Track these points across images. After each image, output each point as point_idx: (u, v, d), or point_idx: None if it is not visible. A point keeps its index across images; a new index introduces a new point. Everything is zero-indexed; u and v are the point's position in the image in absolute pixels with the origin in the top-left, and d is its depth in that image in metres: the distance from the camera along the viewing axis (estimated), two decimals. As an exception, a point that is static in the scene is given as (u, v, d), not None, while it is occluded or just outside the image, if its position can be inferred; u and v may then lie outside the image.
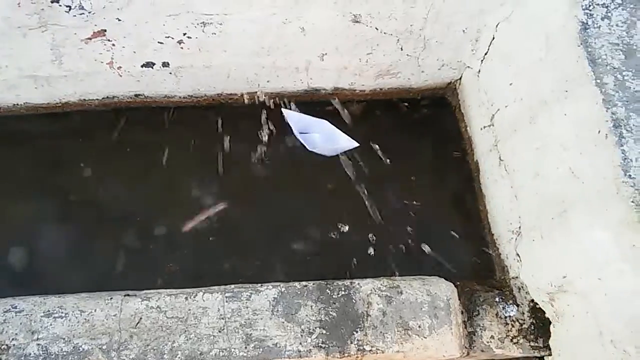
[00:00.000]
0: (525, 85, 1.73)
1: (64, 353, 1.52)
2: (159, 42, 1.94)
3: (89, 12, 1.79)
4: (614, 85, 1.38)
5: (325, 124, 2.20)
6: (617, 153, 1.30)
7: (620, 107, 1.35)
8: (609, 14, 1.48)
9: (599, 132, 1.35)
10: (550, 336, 1.67)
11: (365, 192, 2.14)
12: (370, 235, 2.05)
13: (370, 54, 2.08)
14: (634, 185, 1.26)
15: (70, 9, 1.77)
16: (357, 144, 2.18)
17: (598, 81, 1.39)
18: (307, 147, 2.21)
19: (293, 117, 2.22)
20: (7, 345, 1.52)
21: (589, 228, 1.40)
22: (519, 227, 1.78)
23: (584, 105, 1.42)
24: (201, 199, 2.11)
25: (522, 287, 1.76)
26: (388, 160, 2.20)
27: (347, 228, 2.08)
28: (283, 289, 1.65)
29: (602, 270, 1.36)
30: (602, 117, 1.35)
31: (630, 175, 1.27)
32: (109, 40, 1.91)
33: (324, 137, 2.21)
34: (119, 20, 1.83)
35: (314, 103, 2.29)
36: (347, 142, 2.18)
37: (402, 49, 2.07)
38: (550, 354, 1.68)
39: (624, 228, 1.26)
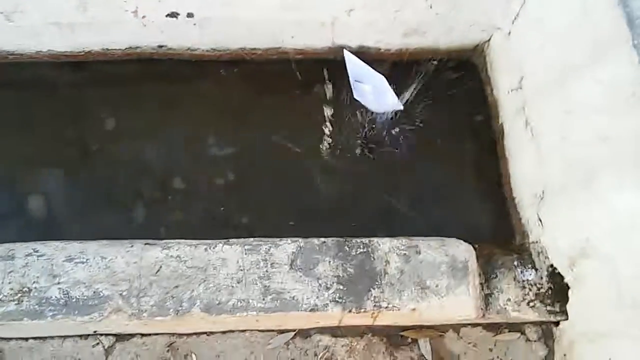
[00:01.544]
0: (557, 48, 1.68)
1: (85, 297, 1.54)
2: (184, -9, 1.91)
3: (114, -43, 1.76)
4: (651, 47, 1.34)
5: (381, 79, 2.15)
6: (652, 116, 1.27)
7: (656, 69, 1.31)
8: (650, -27, 1.42)
9: (634, 94, 1.31)
10: (567, 301, 1.66)
11: (384, 151, 2.13)
12: (391, 195, 2.05)
13: (399, 11, 2.03)
14: (668, 148, 1.23)
15: (94, -47, 1.75)
16: (402, 107, 2.15)
17: (635, 42, 1.34)
18: (354, 94, 2.19)
19: (352, 61, 2.17)
20: (28, 288, 1.54)
21: (617, 190, 1.37)
22: (543, 191, 1.75)
23: (619, 68, 1.38)
24: (219, 153, 2.11)
25: (542, 251, 1.74)
26: (413, 123, 2.18)
27: (365, 187, 2.07)
28: (302, 244, 1.65)
29: (628, 233, 1.34)
30: (637, 79, 1.31)
31: (663, 138, 1.24)
32: (134, -13, 1.89)
33: (375, 91, 2.16)
34: (145, -33, 1.80)
35: (338, 61, 2.26)
36: (393, 102, 2.14)
37: (431, 7, 2.01)
38: (566, 319, 1.67)
39: (655, 192, 1.24)
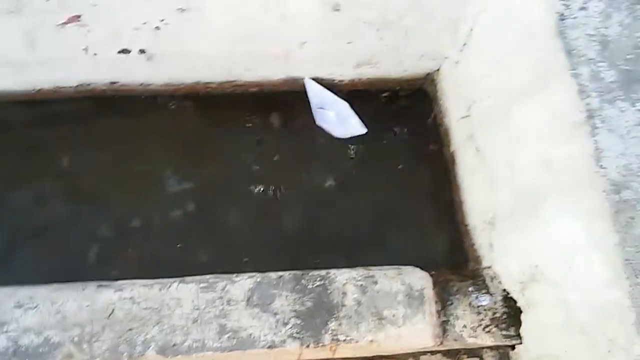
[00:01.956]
0: (503, 76, 1.73)
1: (35, 345, 1.50)
2: (135, 28, 1.90)
3: (63, -4, 1.75)
4: (589, 76, 1.39)
5: (344, 105, 2.20)
6: (590, 143, 1.30)
7: (594, 97, 1.36)
8: (586, 5, 1.47)
9: (573, 122, 1.36)
10: (521, 325, 1.69)
11: (340, 181, 2.14)
12: (345, 223, 2.06)
13: (351, 44, 2.07)
14: (606, 175, 1.27)
15: (43, -7, 1.73)
16: (365, 130, 2.19)
17: (573, 72, 1.39)
18: (317, 121, 2.22)
19: (314, 88, 2.21)
20: (-24, 336, 1.50)
21: (561, 218, 1.41)
22: (493, 217, 1.79)
23: (559, 97, 1.42)
24: (176, 187, 2.09)
25: (495, 276, 1.77)
26: (365, 150, 2.20)
27: (321, 217, 2.08)
28: (258, 279, 1.64)
29: (572, 259, 1.37)
30: (577, 108, 1.35)
31: (602, 166, 1.28)
32: (84, 25, 1.87)
33: (338, 117, 2.21)
34: (95, 4, 1.79)
35: (293, 93, 2.28)
36: (356, 127, 2.19)
37: (382, 39, 2.06)
38: (521, 342, 1.70)
39: (595, 218, 1.27)
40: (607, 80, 1.39)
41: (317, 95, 2.21)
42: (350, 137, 2.22)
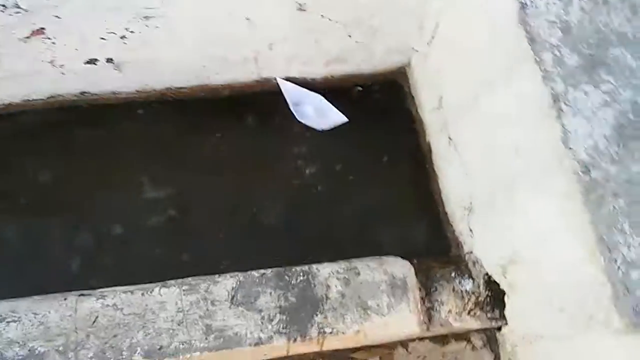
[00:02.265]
0: (470, 66, 1.76)
1: (20, 357, 1.48)
2: (101, 38, 1.89)
3: (26, 10, 1.72)
4: (553, 62, 1.42)
5: (318, 97, 2.22)
6: (557, 127, 1.34)
7: (559, 82, 1.39)
8: (546, -7, 1.51)
9: (540, 107, 1.39)
10: (505, 306, 1.72)
11: (319, 176, 2.17)
12: (325, 217, 2.08)
13: (318, 42, 2.08)
14: (574, 157, 1.30)
15: (5, 8, 1.70)
16: (346, 119, 2.22)
17: (537, 58, 1.42)
18: (297, 118, 2.24)
19: (287, 87, 2.22)
20: (-41, 353, 1.48)
21: (534, 200, 1.44)
22: (470, 203, 1.82)
23: (525, 83, 1.45)
24: (153, 194, 2.09)
25: (477, 261, 1.80)
26: (342, 145, 2.23)
27: (301, 214, 2.09)
28: (241, 278, 1.65)
29: (547, 240, 1.40)
30: (542, 93, 1.38)
31: (570, 147, 1.31)
32: (48, 38, 1.85)
33: (316, 111, 2.23)
34: (58, 17, 1.77)
35: (266, 93, 2.29)
36: (337, 117, 2.22)
37: (350, 36, 2.07)
38: (506, 323, 1.73)
39: (566, 198, 1.30)
40: (571, 65, 1.42)
41: (291, 92, 2.23)
42: (333, 128, 2.25)
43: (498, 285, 1.74)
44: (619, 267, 1.20)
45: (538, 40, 1.45)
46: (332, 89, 2.32)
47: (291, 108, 2.23)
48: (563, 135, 1.33)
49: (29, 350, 1.49)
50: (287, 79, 2.25)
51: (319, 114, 2.23)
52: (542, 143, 1.39)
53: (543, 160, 1.39)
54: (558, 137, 1.33)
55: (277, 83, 2.23)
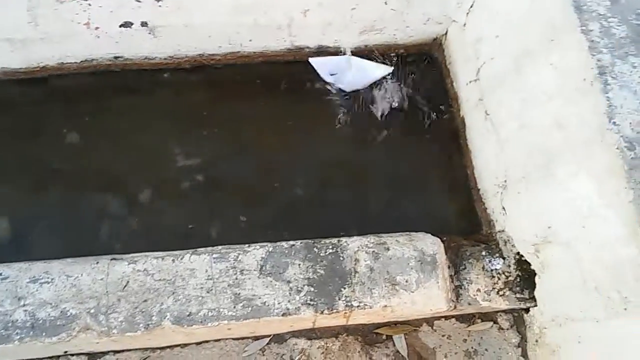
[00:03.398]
0: (511, 36, 1.70)
1: (52, 318, 1.51)
2: (136, 1, 1.88)
3: (62, -30, 1.73)
4: (600, 32, 1.37)
5: (352, 59, 2.19)
6: (602, 100, 1.29)
7: (605, 53, 1.34)
8: (595, -41, 1.44)
9: (585, 79, 1.34)
10: (535, 287, 1.69)
11: (351, 148, 2.14)
12: (356, 191, 2.06)
13: (354, 9, 2.04)
14: (619, 132, 1.25)
15: (41, -33, 1.71)
16: (391, 69, 2.19)
17: (584, 28, 1.37)
18: (342, 88, 2.20)
19: (320, 63, 2.20)
20: (-7, 311, 1.52)
21: (573, 177, 1.40)
22: (505, 181, 1.77)
23: (570, 53, 1.40)
24: (184, 161, 2.09)
25: (508, 240, 1.77)
26: (375, 118, 2.18)
27: (333, 187, 2.07)
28: (270, 249, 1.64)
29: (586, 218, 1.36)
30: (588, 64, 1.33)
31: (615, 122, 1.26)
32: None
33: (357, 73, 2.19)
34: (94, -22, 1.78)
35: (298, 62, 2.25)
36: (380, 70, 2.18)
37: (386, 3, 2.02)
38: (535, 305, 1.70)
39: (609, 175, 1.26)
40: (619, 36, 1.37)
41: (325, 66, 2.19)
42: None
43: (529, 265, 1.71)
44: (661, 249, 1.16)
45: (585, 9, 1.40)
46: (366, 59, 2.27)
47: (331, 81, 2.19)
48: (608, 109, 1.28)
49: (61, 312, 1.52)
50: (320, 48, 2.22)
51: (361, 74, 2.19)
52: (585, 117, 1.34)
53: (585, 135, 1.34)
54: (603, 111, 1.28)
55: (310, 64, 2.20)
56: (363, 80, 2.20)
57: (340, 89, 2.22)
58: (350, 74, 2.17)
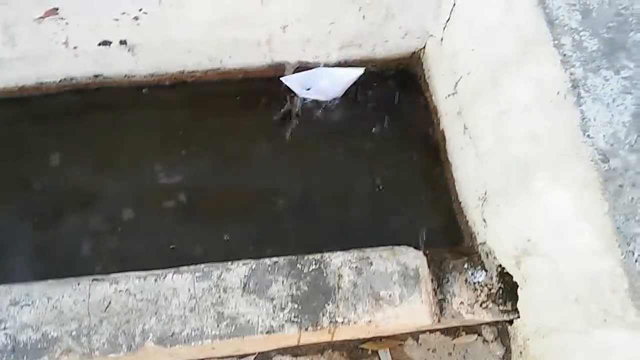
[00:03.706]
0: (487, 50, 1.73)
1: (33, 341, 1.49)
2: (114, 19, 1.88)
3: (39, -11, 1.73)
4: (572, 46, 1.38)
5: (322, 69, 2.22)
6: (576, 113, 1.30)
7: (578, 67, 1.35)
8: (566, -26, 1.47)
9: (558, 92, 1.36)
10: (518, 299, 1.70)
11: (332, 164, 2.15)
12: (338, 206, 2.06)
13: (333, 24, 2.05)
14: (593, 145, 1.27)
15: (19, -13, 1.71)
16: (362, 70, 2.20)
17: (556, 42, 1.39)
18: (319, 99, 2.22)
19: (292, 79, 2.21)
20: (-27, 336, 1.49)
21: (550, 190, 1.41)
22: (485, 193, 1.79)
23: (543, 67, 1.42)
24: (166, 179, 2.08)
25: (490, 252, 1.78)
26: (354, 132, 2.20)
27: (314, 200, 2.08)
28: (253, 266, 1.64)
29: (563, 230, 1.38)
30: (561, 78, 1.35)
31: (589, 135, 1.28)
32: (62, 18, 1.86)
33: (330, 81, 2.21)
34: (72, -4, 1.78)
35: (279, 79, 2.26)
36: (352, 74, 2.20)
37: (364, 18, 2.04)
38: (518, 317, 1.71)
39: (584, 187, 1.27)
40: (590, 49, 1.39)
41: (298, 81, 2.21)
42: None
43: (511, 277, 1.72)
44: (636, 260, 1.17)
45: (557, 23, 1.42)
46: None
47: (306, 95, 2.21)
48: (582, 122, 1.30)
49: (42, 335, 1.50)
50: (300, 63, 2.24)
51: (333, 81, 2.21)
52: (560, 130, 1.36)
53: (560, 147, 1.36)
54: (577, 124, 1.30)
55: (283, 82, 2.21)
56: (337, 87, 2.22)
57: (317, 100, 2.24)
58: (323, 83, 2.20)
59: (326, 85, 2.21)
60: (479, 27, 1.76)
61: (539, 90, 1.44)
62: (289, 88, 2.21)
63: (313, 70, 2.22)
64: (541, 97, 1.43)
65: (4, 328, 1.51)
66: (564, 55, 1.36)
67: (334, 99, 2.25)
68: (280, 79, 2.21)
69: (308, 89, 2.22)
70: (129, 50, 2.03)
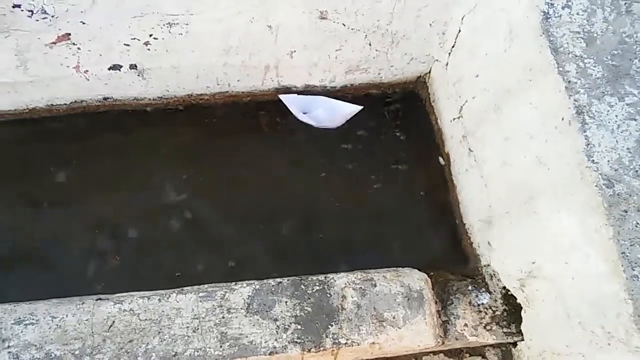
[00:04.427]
0: (491, 76, 1.75)
1: (36, 360, 1.50)
2: (125, 44, 1.92)
3: (52, 16, 1.77)
4: (576, 73, 1.40)
5: (323, 98, 2.25)
6: (581, 139, 1.32)
7: (582, 94, 1.37)
8: (570, 3, 1.50)
9: (563, 119, 1.37)
10: (522, 321, 1.70)
11: (336, 183, 2.16)
12: (343, 227, 2.07)
13: (339, 50, 2.09)
14: (598, 170, 1.28)
15: (32, 14, 1.74)
16: (360, 107, 2.22)
17: (560, 69, 1.41)
18: (313, 124, 2.24)
19: (291, 100, 2.24)
20: (-23, 354, 1.50)
21: (555, 214, 1.42)
22: (489, 216, 1.80)
23: (548, 94, 1.44)
24: (173, 201, 2.10)
25: (494, 274, 1.78)
26: (361, 155, 2.22)
27: (319, 223, 2.09)
28: (257, 287, 1.65)
29: (568, 254, 1.38)
30: (565, 105, 1.36)
31: (593, 160, 1.29)
32: (74, 44, 1.89)
33: (327, 111, 2.24)
34: (83, 23, 1.81)
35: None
36: (350, 108, 2.23)
37: (370, 44, 2.08)
38: (522, 339, 1.70)
39: (589, 212, 1.28)
40: (595, 76, 1.41)
41: (297, 104, 2.24)
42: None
43: (515, 299, 1.72)
44: (641, 284, 1.17)
45: (561, 51, 1.44)
46: (352, 98, 2.32)
47: (302, 119, 2.23)
48: (586, 147, 1.31)
49: (46, 354, 1.50)
50: (307, 87, 2.27)
51: (331, 112, 2.24)
52: (565, 155, 1.37)
53: (565, 172, 1.37)
54: (581, 150, 1.31)
55: (281, 100, 2.25)
56: (333, 119, 2.25)
57: (313, 125, 2.27)
58: (319, 112, 2.23)
59: (322, 114, 2.24)
60: (483, 54, 1.79)
61: (544, 116, 1.46)
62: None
63: (313, 97, 2.26)
64: (546, 124, 1.45)
65: (8, 347, 1.51)
66: (569, 82, 1.38)
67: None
68: (279, 96, 2.24)
69: (305, 113, 2.24)
70: (138, 75, 2.07)
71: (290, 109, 2.23)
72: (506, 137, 1.67)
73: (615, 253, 1.21)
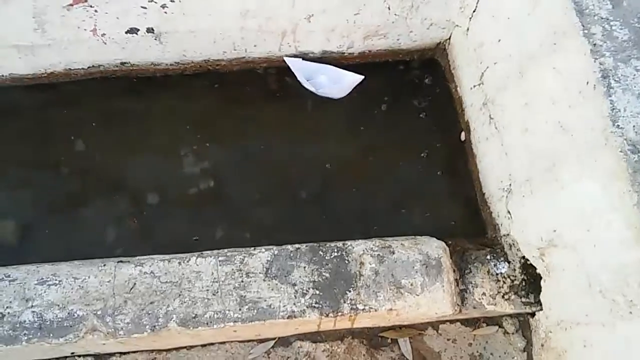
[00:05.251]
0: (514, 40, 1.71)
1: (59, 319, 1.52)
2: (142, 7, 1.90)
3: (70, -23, 1.76)
4: (602, 36, 1.37)
5: (328, 67, 2.23)
6: (606, 103, 1.29)
7: (608, 57, 1.34)
8: (596, -36, 1.45)
9: (587, 83, 1.34)
10: (541, 291, 1.69)
11: (356, 152, 2.15)
12: (362, 196, 2.06)
13: (358, 14, 2.05)
14: (623, 135, 1.26)
15: (50, -25, 1.74)
16: (362, 77, 2.20)
17: (586, 32, 1.37)
18: (315, 91, 2.22)
19: (297, 64, 2.23)
20: (1, 313, 1.52)
21: (578, 180, 1.40)
22: (510, 185, 1.78)
23: (572, 57, 1.41)
24: (190, 166, 2.10)
25: (513, 244, 1.77)
26: (379, 123, 2.20)
27: (337, 191, 2.08)
28: (276, 252, 1.65)
29: (591, 221, 1.36)
30: (590, 68, 1.33)
31: (618, 125, 1.27)
32: (91, 6, 1.88)
33: (330, 78, 2.23)
34: (101, -16, 1.80)
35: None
36: (352, 78, 2.21)
37: (389, 9, 2.04)
38: (541, 309, 1.70)
39: (613, 178, 1.26)
40: (621, 39, 1.37)
41: (302, 69, 2.23)
42: (353, 89, 2.24)
43: (535, 269, 1.71)
44: (665, 252, 1.16)
45: (587, 13, 1.40)
46: (369, 65, 2.30)
47: (305, 84, 2.21)
48: (611, 112, 1.28)
49: (68, 313, 1.53)
50: (324, 53, 2.24)
51: (334, 81, 2.22)
52: (589, 120, 1.35)
53: (589, 138, 1.35)
54: (606, 115, 1.29)
55: (286, 62, 2.23)
56: (335, 86, 2.23)
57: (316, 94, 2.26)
58: (323, 79, 2.22)
59: (323, 81, 2.22)
60: (505, 18, 1.75)
61: (568, 81, 1.43)
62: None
63: (317, 64, 2.23)
64: (570, 88, 1.42)
65: (31, 306, 1.54)
66: (594, 45, 1.35)
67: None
68: (285, 58, 2.22)
69: (309, 80, 2.23)
70: (155, 39, 2.05)
71: (295, 73, 2.21)
72: (528, 103, 1.64)
73: (639, 220, 1.20)
